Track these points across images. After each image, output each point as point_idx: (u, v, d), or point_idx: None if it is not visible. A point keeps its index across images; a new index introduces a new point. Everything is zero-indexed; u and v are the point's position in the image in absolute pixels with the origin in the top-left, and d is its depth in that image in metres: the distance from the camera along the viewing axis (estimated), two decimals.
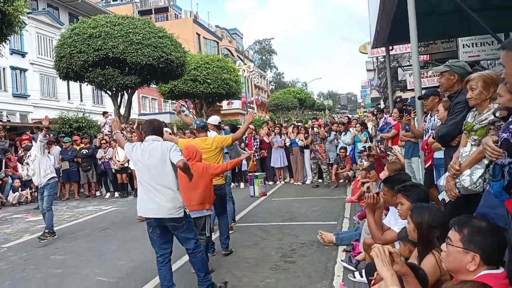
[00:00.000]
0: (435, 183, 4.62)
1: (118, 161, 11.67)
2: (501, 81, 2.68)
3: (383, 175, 5.43)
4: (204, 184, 4.74)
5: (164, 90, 24.73)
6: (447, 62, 3.84)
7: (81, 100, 28.78)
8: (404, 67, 17.22)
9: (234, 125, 9.36)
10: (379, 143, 9.13)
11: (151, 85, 20.53)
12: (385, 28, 7.74)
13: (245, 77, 39.42)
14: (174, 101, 33.70)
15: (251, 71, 46.15)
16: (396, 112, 7.82)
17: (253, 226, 7.09)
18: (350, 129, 11.68)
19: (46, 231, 7.02)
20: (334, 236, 5.65)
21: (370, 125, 11.46)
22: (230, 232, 5.81)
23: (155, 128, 4.12)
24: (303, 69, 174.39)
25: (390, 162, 5.49)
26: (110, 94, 17.62)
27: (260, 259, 5.28)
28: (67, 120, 16.57)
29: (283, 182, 12.53)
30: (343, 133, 11.66)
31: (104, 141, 12.32)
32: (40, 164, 7.02)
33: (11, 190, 11.80)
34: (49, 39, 27.23)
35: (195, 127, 5.68)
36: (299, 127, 12.58)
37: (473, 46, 11.24)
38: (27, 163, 7.43)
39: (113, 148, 12.07)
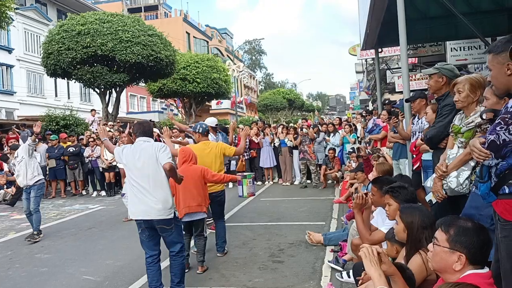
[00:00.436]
0: (423, 184, 4.69)
1: (106, 159, 11.56)
2: (488, 85, 2.72)
3: (372, 176, 5.47)
4: (201, 186, 4.78)
5: (153, 89, 24.61)
6: (436, 65, 3.89)
7: (69, 98, 28.46)
8: (393, 70, 17.37)
9: (224, 126, 9.33)
10: (367, 145, 9.20)
11: (140, 84, 20.41)
12: (375, 31, 7.81)
13: (234, 77, 39.35)
14: (163, 100, 33.60)
15: (241, 71, 46.09)
16: (384, 114, 7.88)
17: (241, 226, 7.09)
18: (339, 130, 11.74)
19: (35, 233, 6.90)
20: (322, 237, 5.68)
21: (359, 126, 11.53)
22: (212, 231, 5.84)
23: (145, 130, 4.10)
24: (292, 70, 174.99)
25: (379, 163, 5.53)
26: (98, 92, 17.48)
27: (248, 259, 5.28)
28: (54, 118, 16.37)
29: (272, 183, 12.55)
30: (332, 134, 11.71)
31: (92, 139, 12.20)
32: (27, 166, 6.92)
33: None
34: (37, 36, 26.88)
35: (200, 131, 5.62)
36: (288, 128, 12.61)
37: (461, 50, 11.39)
38: (13, 164, 7.31)
39: (101, 147, 11.96)
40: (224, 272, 4.82)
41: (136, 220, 4.01)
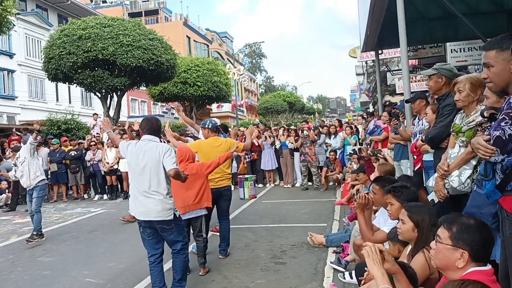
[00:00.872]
0: (424, 185, 4.69)
1: (107, 163, 11.59)
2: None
3: (374, 176, 5.47)
4: (199, 183, 4.75)
5: (154, 93, 24.64)
6: (434, 65, 3.91)
7: (70, 102, 28.51)
8: (393, 72, 17.40)
9: (226, 126, 9.35)
10: (368, 146, 9.20)
11: (140, 87, 20.44)
12: (375, 32, 7.82)
13: (235, 80, 39.43)
14: (163, 104, 33.64)
15: (241, 74, 46.15)
16: (385, 115, 7.91)
17: (243, 228, 7.09)
18: (340, 133, 11.74)
19: (34, 233, 6.94)
20: (324, 238, 5.68)
21: (360, 128, 11.53)
22: (214, 233, 5.83)
23: (153, 127, 4.04)
24: (293, 73, 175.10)
25: (381, 163, 5.54)
26: (99, 96, 17.50)
27: (250, 260, 5.29)
28: (56, 122, 16.42)
29: (273, 185, 12.55)
30: (333, 136, 11.71)
31: (93, 143, 12.22)
32: (30, 166, 6.95)
33: None
34: (38, 40, 26.97)
35: (210, 127, 5.62)
36: (289, 130, 12.62)
37: (461, 51, 11.42)
38: (15, 165, 7.34)
39: (102, 150, 11.99)
40: (227, 274, 4.82)
41: (137, 218, 4.02)
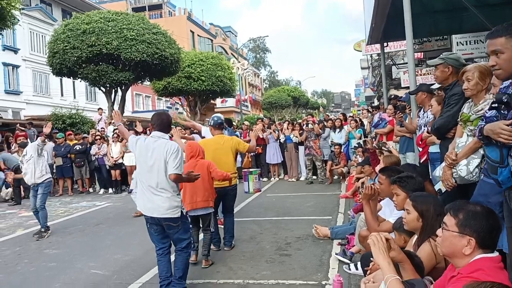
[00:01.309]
0: (430, 176, 4.67)
1: (112, 157, 11.63)
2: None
3: (379, 168, 5.46)
4: (208, 181, 4.78)
5: (158, 87, 24.65)
6: (441, 55, 3.87)
7: (74, 97, 28.60)
8: (399, 65, 17.31)
9: (230, 120, 9.35)
10: (373, 139, 9.17)
11: (145, 82, 20.46)
12: (380, 25, 7.79)
13: (239, 74, 39.38)
14: (168, 99, 33.67)
15: (245, 69, 46.03)
16: (390, 108, 7.88)
17: (248, 221, 7.09)
18: (345, 126, 11.69)
19: (43, 230, 6.95)
20: (329, 230, 5.67)
21: (365, 121, 11.49)
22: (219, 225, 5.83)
23: (163, 123, 3.98)
24: (297, 68, 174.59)
25: (386, 155, 5.52)
26: (103, 90, 17.54)
27: (255, 252, 5.29)
28: (61, 116, 16.48)
29: (278, 179, 12.55)
30: (338, 130, 11.66)
31: (98, 137, 12.27)
32: (36, 165, 6.96)
33: (4, 186, 11.72)
34: (42, 36, 27.02)
35: (212, 124, 5.61)
36: (294, 124, 12.60)
37: (467, 44, 11.35)
38: (21, 162, 7.36)
39: (107, 145, 12.04)
40: (232, 265, 4.83)
41: (144, 214, 4.03)
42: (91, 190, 12.53)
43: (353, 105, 67.18)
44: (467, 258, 1.98)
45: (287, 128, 12.34)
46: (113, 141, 11.87)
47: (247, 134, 12.53)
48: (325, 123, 12.14)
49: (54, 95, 27.69)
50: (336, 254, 4.81)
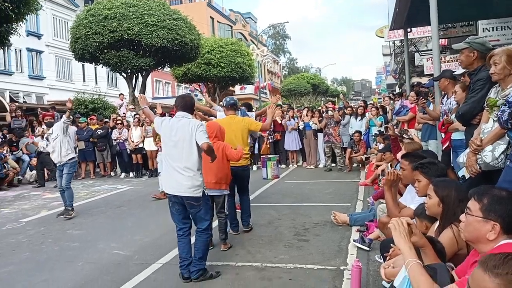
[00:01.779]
0: (451, 164, 4.59)
1: (132, 141, 11.80)
2: None
3: (400, 155, 5.39)
4: (222, 163, 4.75)
5: (177, 74, 24.77)
6: (467, 39, 3.76)
7: (96, 83, 29.00)
8: (422, 52, 16.92)
9: (250, 104, 9.31)
10: (394, 127, 9.05)
11: (165, 68, 20.57)
12: (404, 9, 7.60)
13: (258, 61, 39.19)
14: (187, 85, 33.78)
15: (265, 55, 45.75)
16: (413, 95, 7.73)
17: (266, 206, 7.13)
18: (366, 113, 11.53)
19: (69, 208, 7.13)
20: (348, 217, 5.65)
21: (387, 108, 11.31)
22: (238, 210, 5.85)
23: (187, 104, 4.12)
24: (317, 55, 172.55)
25: (408, 142, 5.44)
26: (124, 76, 17.72)
27: (273, 237, 5.32)
28: (83, 101, 16.75)
29: (296, 166, 12.53)
30: (359, 118, 11.52)
31: (119, 121, 12.44)
32: (62, 143, 7.13)
33: (28, 168, 12.04)
34: (65, 21, 27.38)
35: (224, 104, 5.66)
36: (313, 111, 12.51)
37: (493, 30, 10.98)
38: (47, 139, 7.57)
39: (128, 129, 12.20)
40: (250, 249, 4.87)
41: (167, 193, 4.09)
42: (112, 174, 12.76)
43: (373, 93, 66.17)
44: (492, 243, 1.95)
45: (306, 115, 12.27)
46: (134, 125, 12.03)
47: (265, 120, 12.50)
48: (345, 110, 12.01)
49: (76, 80, 28.13)
50: (354, 241, 4.79)
